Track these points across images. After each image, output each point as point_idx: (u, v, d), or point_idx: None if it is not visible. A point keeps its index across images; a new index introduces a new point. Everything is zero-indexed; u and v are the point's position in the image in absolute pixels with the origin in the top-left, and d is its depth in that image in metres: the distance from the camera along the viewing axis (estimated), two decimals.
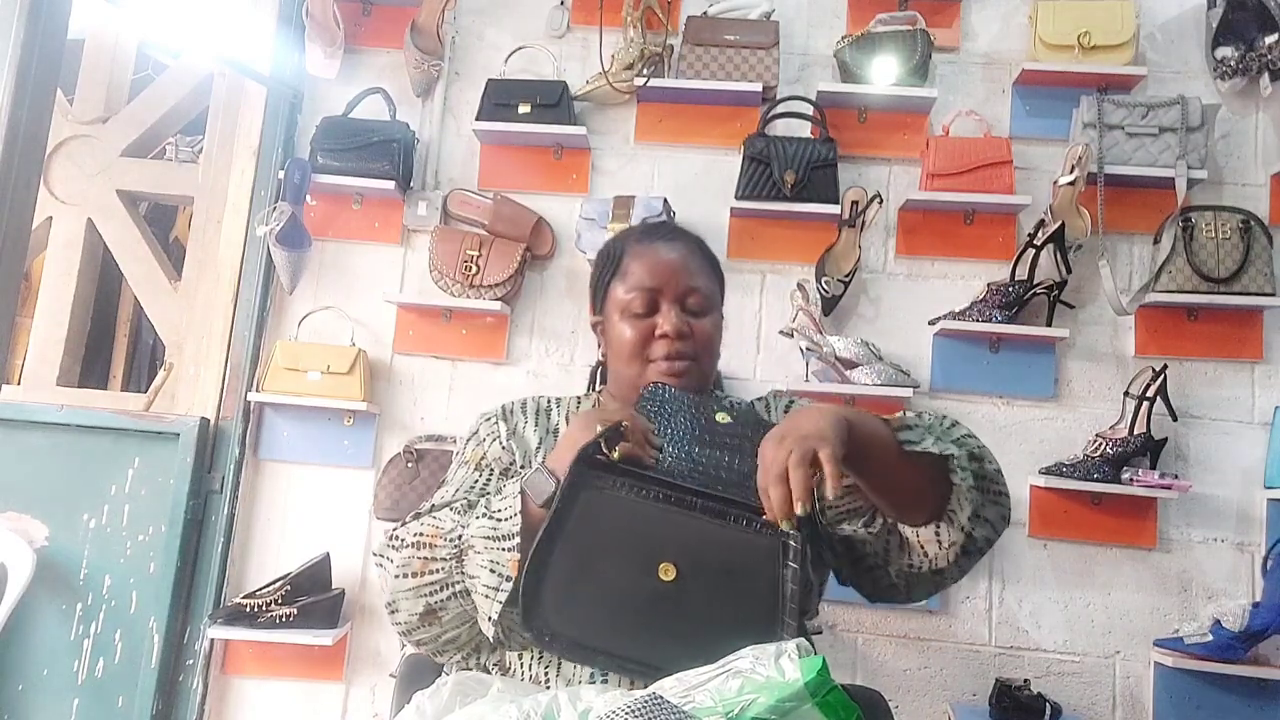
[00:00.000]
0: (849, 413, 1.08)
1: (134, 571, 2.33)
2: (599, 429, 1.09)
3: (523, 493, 1.10)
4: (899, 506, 1.18)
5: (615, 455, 1.08)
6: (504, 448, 1.32)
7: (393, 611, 1.17)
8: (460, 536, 1.13)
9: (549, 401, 1.40)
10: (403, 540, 1.17)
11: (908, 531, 1.22)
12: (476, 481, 1.29)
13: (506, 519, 1.09)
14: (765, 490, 1.00)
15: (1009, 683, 2.13)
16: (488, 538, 1.10)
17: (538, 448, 1.32)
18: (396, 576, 1.15)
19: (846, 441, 1.02)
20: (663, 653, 1.00)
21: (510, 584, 1.06)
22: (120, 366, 3.15)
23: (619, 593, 1.04)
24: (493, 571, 1.08)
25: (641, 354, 1.29)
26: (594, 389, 1.53)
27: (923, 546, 1.21)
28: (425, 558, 1.14)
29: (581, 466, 1.07)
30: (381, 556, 1.20)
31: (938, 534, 1.19)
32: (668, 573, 1.03)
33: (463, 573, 1.12)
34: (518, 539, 1.07)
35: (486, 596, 1.08)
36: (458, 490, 1.28)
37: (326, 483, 2.44)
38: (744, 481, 1.08)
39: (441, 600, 1.14)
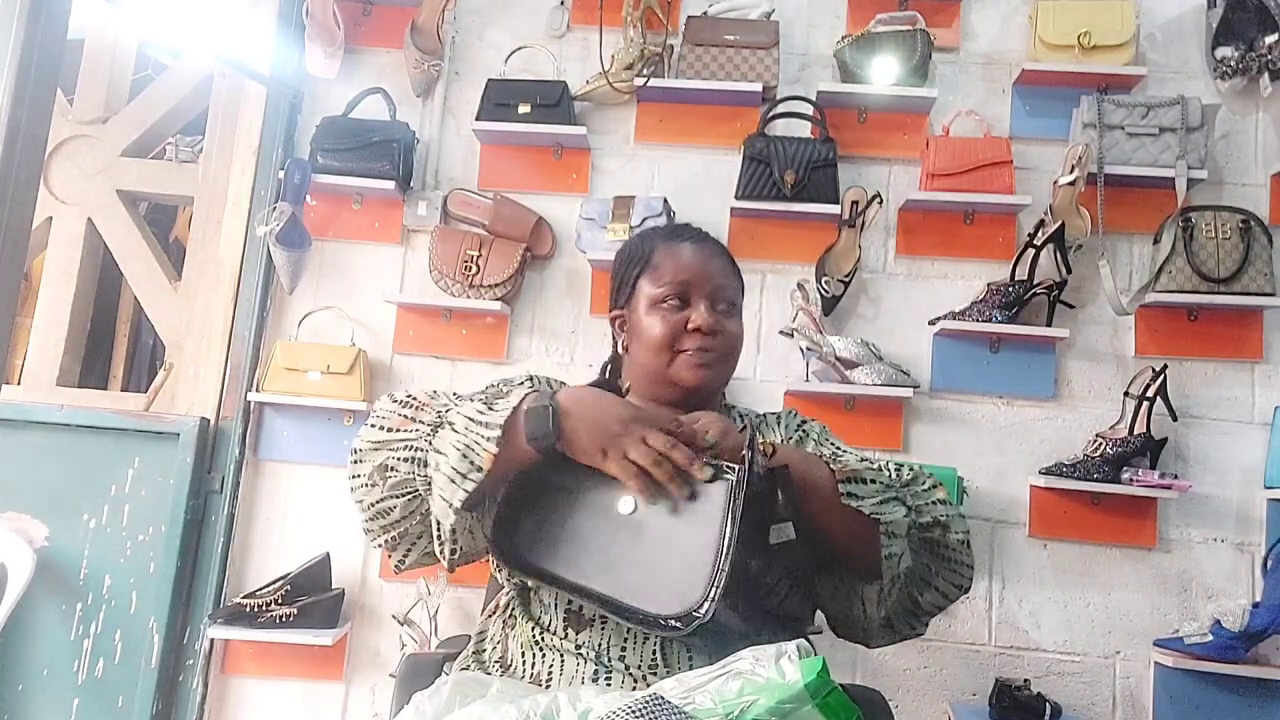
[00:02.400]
0: (793, 453, 1.15)
1: (134, 571, 2.33)
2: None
3: (519, 410, 1.09)
4: (842, 555, 1.19)
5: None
6: None
7: (355, 461, 1.18)
8: (448, 410, 1.13)
9: (559, 384, 1.41)
10: (395, 398, 1.20)
11: (860, 589, 1.22)
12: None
13: (499, 410, 1.08)
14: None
15: (1009, 683, 2.13)
16: (470, 418, 1.09)
17: None
18: (372, 425, 1.17)
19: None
20: (618, 584, 1.04)
21: (480, 475, 1.05)
22: (120, 366, 3.15)
23: (586, 526, 1.07)
24: (464, 456, 1.06)
25: (671, 347, 1.29)
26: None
27: (864, 601, 1.21)
28: (406, 416, 1.16)
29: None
30: (372, 413, 1.21)
31: (880, 595, 1.18)
32: (626, 505, 1.06)
33: (430, 443, 1.12)
34: (500, 431, 1.05)
35: (452, 480, 1.06)
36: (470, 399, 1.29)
37: (326, 483, 2.44)
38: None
39: (398, 459, 1.14)
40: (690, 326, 1.29)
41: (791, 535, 1.06)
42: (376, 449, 1.16)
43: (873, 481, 1.14)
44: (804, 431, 1.40)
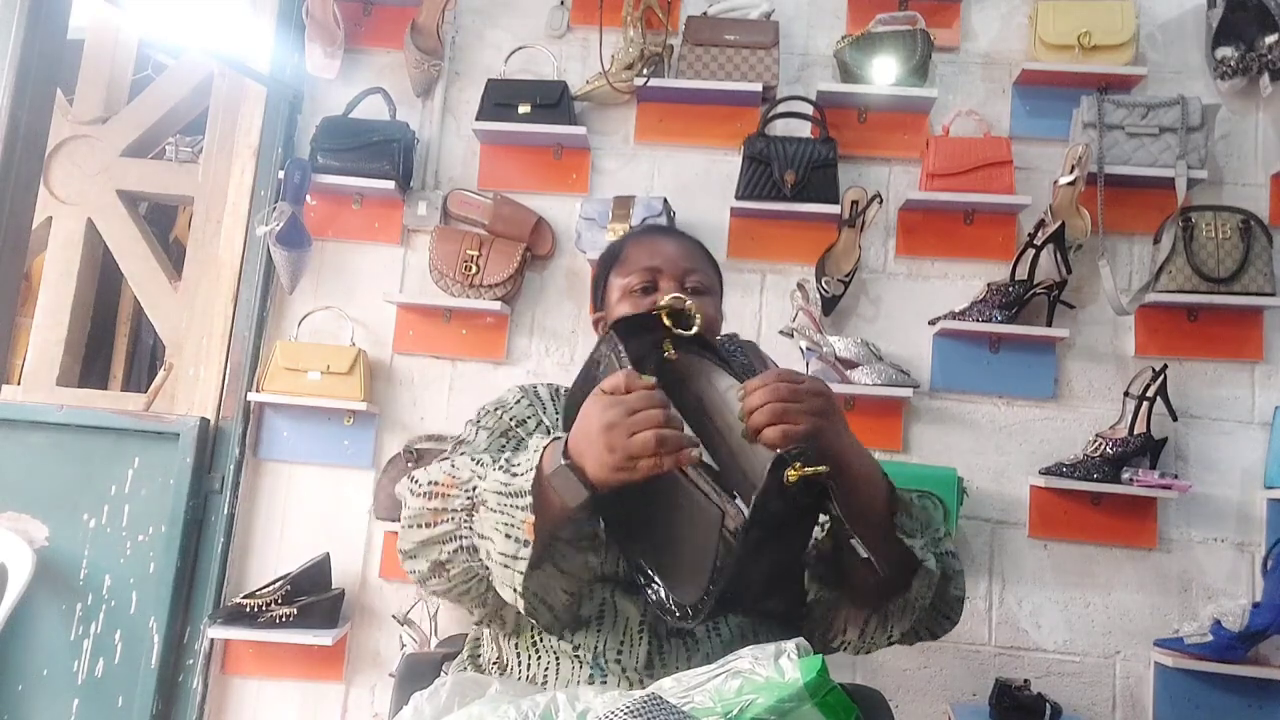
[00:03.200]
0: (857, 456, 1.06)
1: (134, 571, 2.33)
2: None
3: (541, 471, 1.01)
4: (856, 573, 1.12)
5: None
6: (545, 425, 1.29)
7: (406, 559, 1.13)
8: (475, 489, 1.06)
9: (561, 390, 1.39)
10: (419, 485, 1.12)
11: (845, 609, 1.19)
12: (504, 446, 1.25)
13: (524, 474, 1.00)
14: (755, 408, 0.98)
15: (1009, 683, 2.13)
16: (499, 493, 1.01)
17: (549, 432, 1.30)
18: (408, 526, 1.11)
19: (843, 450, 1.02)
20: (654, 555, 1.03)
21: (529, 549, 0.98)
22: (120, 366, 3.15)
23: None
24: (507, 536, 0.99)
25: None
26: None
27: (845, 629, 1.18)
28: (437, 508, 1.09)
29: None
30: (402, 496, 1.16)
31: (865, 625, 1.16)
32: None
33: (471, 528, 1.06)
34: (530, 498, 0.98)
35: (505, 566, 1.00)
36: (481, 447, 1.24)
37: (326, 483, 2.44)
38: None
39: (450, 553, 1.09)
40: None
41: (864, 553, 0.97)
42: (424, 547, 1.10)
43: (916, 518, 1.10)
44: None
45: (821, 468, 0.91)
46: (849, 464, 1.04)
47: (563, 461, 0.98)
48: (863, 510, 1.05)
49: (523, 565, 0.99)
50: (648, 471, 0.94)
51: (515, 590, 1.00)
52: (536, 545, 0.98)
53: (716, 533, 0.95)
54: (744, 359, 1.34)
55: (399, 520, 1.14)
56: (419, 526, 1.10)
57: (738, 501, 0.96)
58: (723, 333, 1.42)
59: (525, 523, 0.98)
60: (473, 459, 1.12)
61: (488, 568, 1.05)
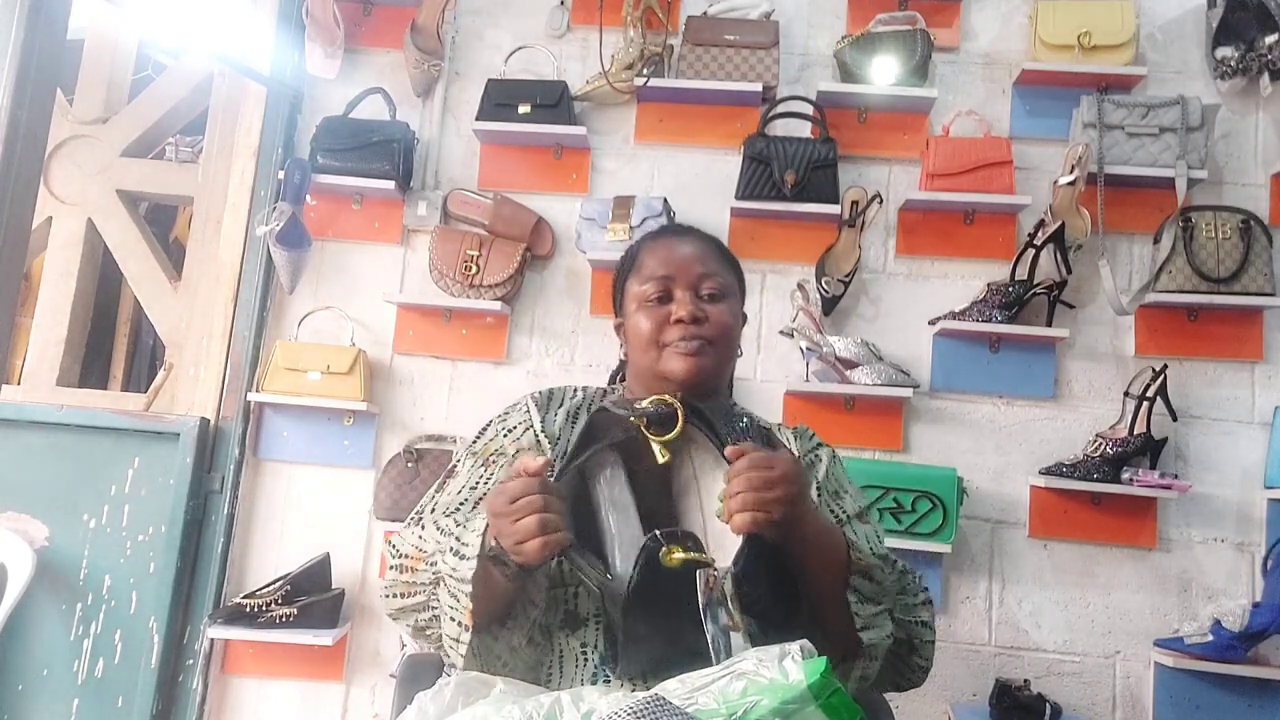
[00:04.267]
0: (813, 519, 1.11)
1: (134, 571, 2.33)
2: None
3: (489, 554, 1.07)
4: (818, 621, 1.15)
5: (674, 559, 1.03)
6: (537, 437, 1.29)
7: (395, 619, 1.22)
8: (435, 566, 1.14)
9: (575, 390, 1.39)
10: (396, 551, 1.21)
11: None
12: (481, 479, 1.28)
13: (466, 558, 1.07)
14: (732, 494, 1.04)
15: (1009, 683, 2.13)
16: (451, 576, 1.09)
17: (556, 438, 1.30)
18: (385, 596, 1.20)
19: (792, 514, 1.06)
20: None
21: (469, 634, 1.06)
22: (120, 366, 3.15)
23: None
24: (452, 619, 1.09)
25: (657, 341, 1.27)
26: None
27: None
28: (408, 582, 1.17)
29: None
30: (387, 560, 1.24)
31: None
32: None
33: (439, 599, 1.13)
34: (470, 586, 1.05)
35: (452, 645, 1.10)
36: (460, 490, 1.27)
37: (326, 483, 2.44)
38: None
39: (426, 620, 1.17)
40: (673, 319, 1.27)
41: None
42: (403, 614, 1.19)
43: (879, 583, 1.14)
44: (816, 456, 1.34)
45: (703, 555, 1.00)
46: (805, 532, 1.09)
47: (492, 544, 1.05)
48: (818, 573, 1.12)
49: (464, 649, 1.08)
50: (537, 553, 1.00)
51: (461, 661, 1.09)
52: (475, 628, 1.07)
53: (604, 604, 1.05)
54: (745, 424, 1.34)
55: (388, 563, 1.23)
56: (395, 596, 1.19)
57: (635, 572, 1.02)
58: (740, 345, 1.40)
59: (465, 609, 1.06)
60: (438, 527, 1.18)
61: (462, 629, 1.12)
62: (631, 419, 1.16)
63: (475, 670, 1.08)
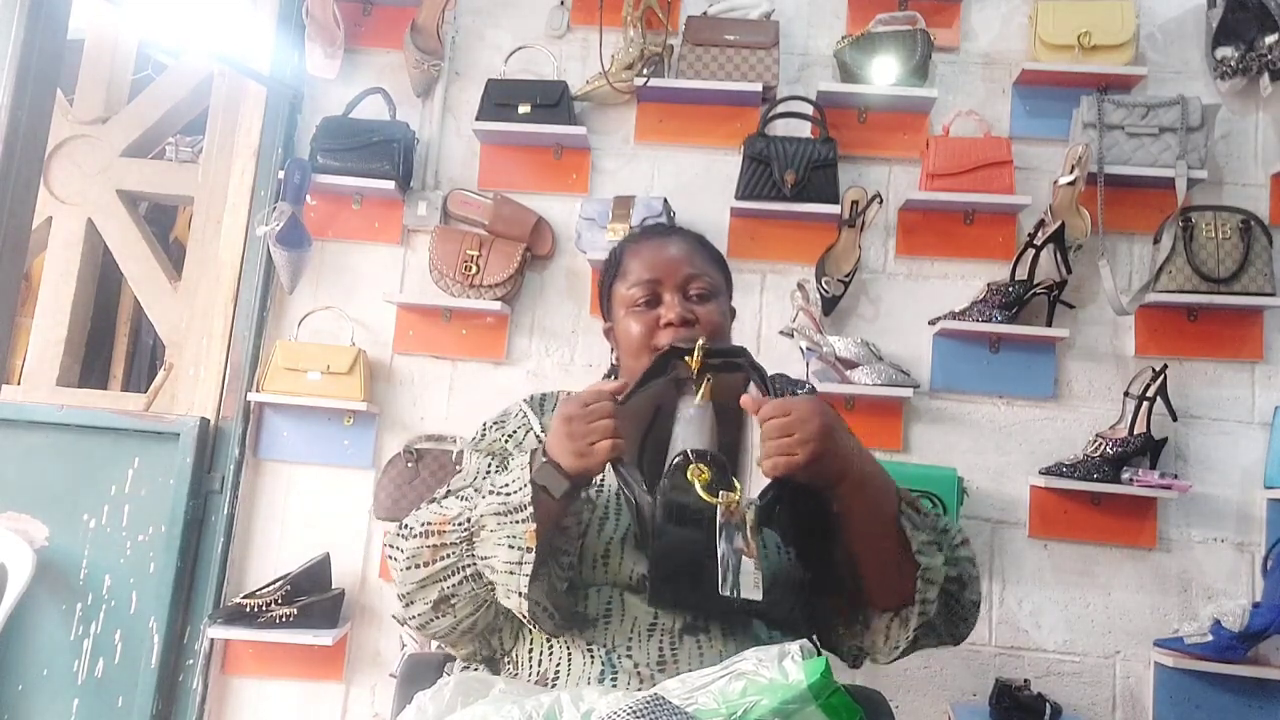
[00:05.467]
0: (863, 461, 1.10)
1: (134, 571, 2.33)
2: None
3: (533, 480, 1.09)
4: (868, 575, 1.15)
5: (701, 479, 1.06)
6: (539, 438, 1.30)
7: (407, 604, 1.17)
8: (469, 519, 1.12)
9: (568, 395, 1.40)
10: (411, 530, 1.17)
11: (868, 613, 1.20)
12: (490, 467, 1.27)
13: (515, 491, 1.08)
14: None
15: (1009, 683, 2.13)
16: (498, 514, 1.08)
17: None
18: (406, 569, 1.15)
19: (843, 459, 1.07)
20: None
21: (532, 555, 1.05)
22: (120, 366, 3.15)
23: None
24: (511, 547, 1.06)
25: (649, 345, 1.27)
26: None
27: (870, 630, 1.20)
28: (435, 545, 1.14)
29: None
30: (392, 548, 1.20)
31: (888, 629, 1.17)
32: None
33: (474, 555, 1.11)
34: (530, 509, 1.06)
35: (510, 572, 1.06)
36: (469, 477, 1.27)
37: (326, 483, 2.44)
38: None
39: (453, 586, 1.14)
40: (663, 322, 1.27)
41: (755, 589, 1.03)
42: (424, 587, 1.15)
43: (925, 515, 1.14)
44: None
45: (726, 479, 1.03)
46: (849, 470, 1.08)
47: (543, 459, 1.09)
48: (868, 513, 1.11)
49: (528, 569, 1.05)
50: (605, 454, 1.06)
51: (520, 594, 1.06)
52: (539, 550, 1.06)
53: (639, 521, 1.09)
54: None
55: (391, 557, 1.20)
56: (417, 566, 1.15)
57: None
58: (733, 328, 1.41)
59: (526, 533, 1.06)
60: (458, 497, 1.19)
61: (493, 590, 1.12)
62: (695, 354, 1.15)
63: (532, 603, 1.07)
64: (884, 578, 1.13)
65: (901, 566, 1.11)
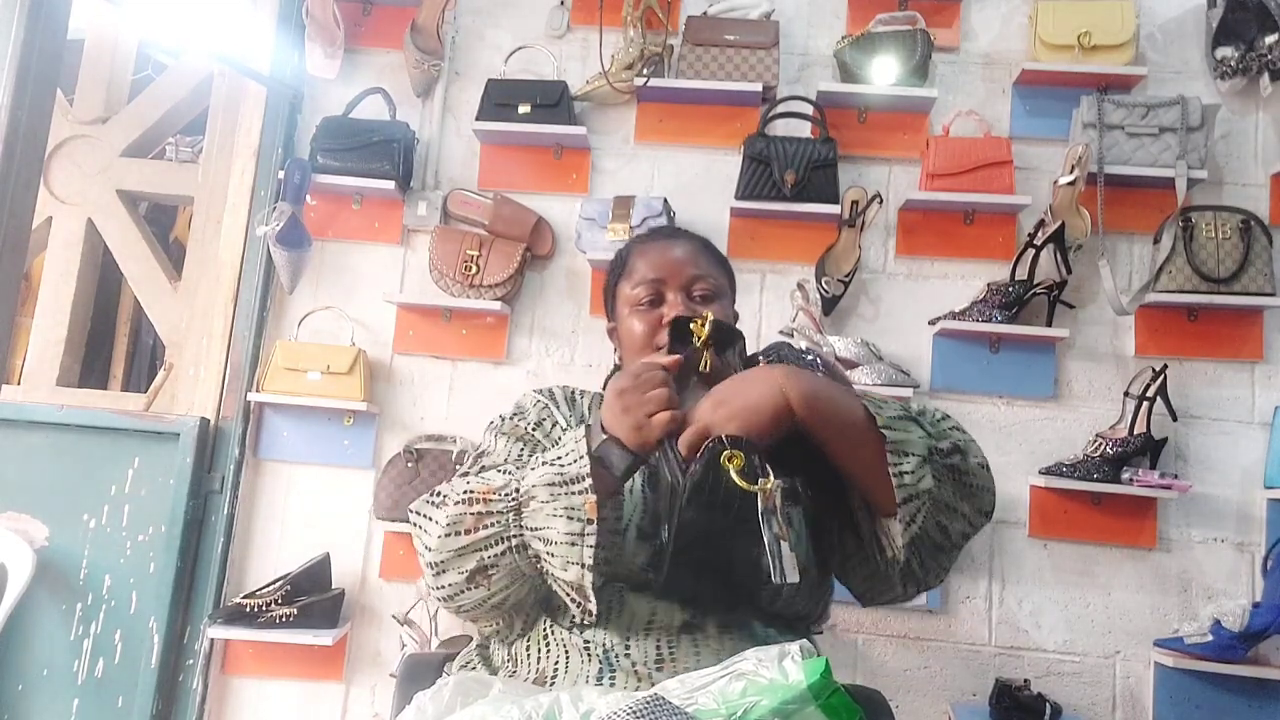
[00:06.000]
0: (810, 386, 1.10)
1: (134, 571, 2.33)
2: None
3: (589, 449, 1.09)
4: (867, 490, 1.15)
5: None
6: (560, 425, 1.30)
7: (439, 573, 1.14)
8: (518, 489, 1.10)
9: (575, 392, 1.40)
10: (447, 497, 1.15)
11: (879, 524, 1.18)
12: (522, 453, 1.26)
13: (571, 463, 1.07)
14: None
15: (1009, 683, 2.13)
16: (551, 484, 1.07)
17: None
18: (445, 535, 1.12)
19: (775, 423, 1.08)
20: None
21: (594, 526, 1.04)
22: (120, 366, 3.15)
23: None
24: (570, 518, 1.05)
25: (651, 344, 1.28)
26: None
27: (890, 540, 1.16)
28: (478, 513, 1.11)
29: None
30: (419, 514, 1.17)
31: (905, 523, 1.13)
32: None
33: (521, 525, 1.09)
34: (589, 479, 1.05)
35: (572, 544, 1.05)
36: (500, 458, 1.25)
37: (326, 483, 2.44)
38: None
39: (495, 556, 1.11)
40: (665, 321, 1.27)
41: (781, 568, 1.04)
42: (461, 555, 1.12)
43: (902, 415, 1.13)
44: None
45: (759, 465, 1.03)
46: (822, 419, 1.10)
47: (603, 436, 1.10)
48: (850, 452, 1.12)
49: (591, 539, 1.05)
50: (664, 426, 1.07)
51: (583, 565, 1.06)
52: (599, 521, 1.06)
53: (671, 498, 1.09)
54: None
55: (418, 525, 1.17)
56: (457, 534, 1.12)
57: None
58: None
59: (587, 504, 1.05)
60: (500, 470, 1.17)
61: (537, 564, 1.11)
62: (703, 327, 1.18)
63: (592, 581, 1.06)
64: (875, 481, 1.12)
65: (879, 458, 1.10)
